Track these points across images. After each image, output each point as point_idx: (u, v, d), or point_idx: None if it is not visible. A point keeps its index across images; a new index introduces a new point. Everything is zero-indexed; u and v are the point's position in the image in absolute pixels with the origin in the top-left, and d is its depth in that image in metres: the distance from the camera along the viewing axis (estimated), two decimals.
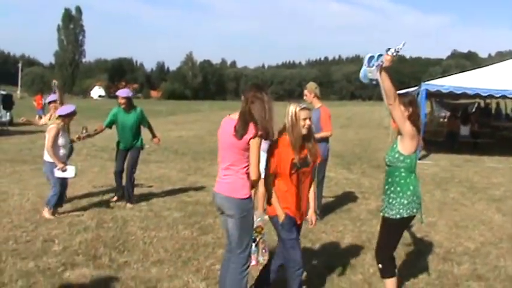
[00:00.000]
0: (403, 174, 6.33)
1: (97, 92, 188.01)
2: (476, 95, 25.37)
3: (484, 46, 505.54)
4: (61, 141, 10.94)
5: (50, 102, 12.89)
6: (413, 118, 6.34)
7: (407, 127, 6.18)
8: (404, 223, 6.49)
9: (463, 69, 30.79)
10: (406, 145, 6.25)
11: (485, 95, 24.09)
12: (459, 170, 19.47)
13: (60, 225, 10.25)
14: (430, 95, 28.45)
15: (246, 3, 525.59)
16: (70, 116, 11.12)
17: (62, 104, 12.34)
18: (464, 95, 26.13)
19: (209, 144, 26.40)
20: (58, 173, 10.87)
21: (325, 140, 11.09)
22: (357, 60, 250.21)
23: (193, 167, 18.52)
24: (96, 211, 11.40)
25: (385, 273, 6.56)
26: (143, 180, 15.09)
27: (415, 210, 6.41)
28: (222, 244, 8.91)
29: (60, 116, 10.93)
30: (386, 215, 6.44)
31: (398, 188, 6.36)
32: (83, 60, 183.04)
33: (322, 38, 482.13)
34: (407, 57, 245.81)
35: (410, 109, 6.37)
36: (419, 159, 21.44)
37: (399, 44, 6.20)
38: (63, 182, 11.19)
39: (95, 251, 8.70)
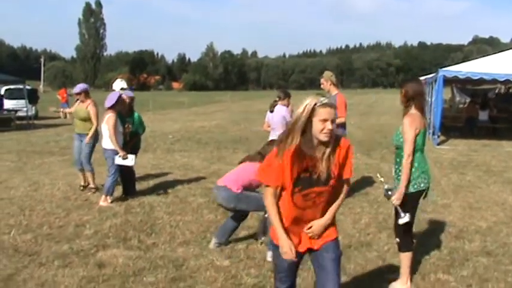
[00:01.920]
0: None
1: (119, 84, 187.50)
2: (494, 80, 25.60)
3: (506, 31, 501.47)
4: (120, 128, 11.51)
5: (77, 94, 13.29)
6: (419, 105, 6.76)
7: (406, 124, 6.64)
8: (414, 198, 6.79)
9: (485, 55, 30.95)
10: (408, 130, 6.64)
11: (503, 80, 24.34)
12: (477, 155, 19.78)
13: (91, 211, 10.78)
14: (451, 81, 28.79)
15: None
16: (117, 104, 11.59)
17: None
18: (482, 81, 26.41)
19: (231, 133, 26.86)
20: (119, 160, 11.43)
21: (343, 125, 11.53)
22: (378, 48, 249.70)
23: (216, 155, 18.97)
24: (124, 198, 11.92)
25: (402, 248, 6.96)
26: (168, 169, 15.56)
27: (422, 185, 6.73)
28: (245, 226, 9.45)
29: (109, 108, 11.40)
30: (386, 194, 6.90)
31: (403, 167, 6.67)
32: (104, 53, 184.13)
33: (342, 26, 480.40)
34: (429, 43, 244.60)
35: (412, 103, 6.76)
36: (438, 145, 21.86)
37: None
38: (121, 169, 11.76)
39: (124, 234, 9.20)
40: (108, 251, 8.30)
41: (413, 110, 6.75)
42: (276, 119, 11.92)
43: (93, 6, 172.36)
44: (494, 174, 15.55)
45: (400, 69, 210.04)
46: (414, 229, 7.91)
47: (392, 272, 7.34)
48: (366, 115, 42.02)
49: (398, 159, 6.82)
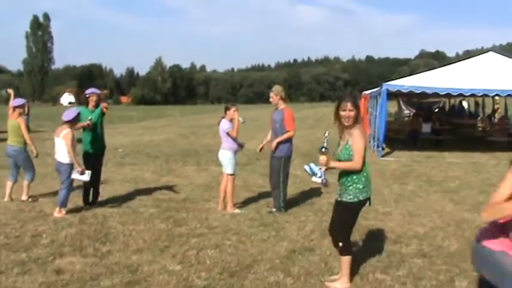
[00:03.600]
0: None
1: (67, 98, 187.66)
2: (436, 94, 26.45)
3: (451, 45, 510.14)
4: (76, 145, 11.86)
5: (16, 107, 13.56)
6: (360, 119, 7.43)
7: (356, 137, 7.20)
8: (361, 205, 7.43)
9: (431, 69, 31.87)
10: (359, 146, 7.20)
11: (444, 93, 25.20)
12: (419, 165, 20.46)
13: (46, 222, 11.11)
14: (396, 94, 29.70)
15: (214, 8, 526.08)
16: (76, 120, 11.93)
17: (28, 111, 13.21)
18: (427, 94, 27.27)
19: (180, 147, 27.28)
20: (75, 175, 11.76)
21: (289, 139, 12.13)
22: (326, 62, 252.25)
23: (165, 168, 19.36)
24: (77, 209, 12.24)
25: (345, 251, 7.46)
26: (119, 181, 15.93)
27: (369, 193, 7.41)
28: (195, 234, 10.05)
29: (66, 122, 11.74)
30: (344, 199, 7.37)
31: (354, 176, 7.25)
32: (52, 67, 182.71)
33: (290, 40, 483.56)
34: (376, 57, 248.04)
35: (355, 110, 7.30)
36: (382, 156, 22.57)
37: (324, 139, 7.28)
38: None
39: (80, 242, 9.58)
40: (65, 259, 8.68)
41: (359, 123, 7.36)
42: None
43: (41, 19, 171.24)
44: (434, 184, 16.21)
45: (348, 83, 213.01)
46: (356, 234, 8.51)
47: (334, 273, 7.91)
48: (313, 128, 42.68)
49: (348, 174, 7.31)
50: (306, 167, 7.73)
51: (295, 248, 9.32)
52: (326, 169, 7.24)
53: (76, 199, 12.84)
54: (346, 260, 7.50)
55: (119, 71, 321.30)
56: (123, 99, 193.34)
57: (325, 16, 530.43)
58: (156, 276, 7.86)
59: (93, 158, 12.78)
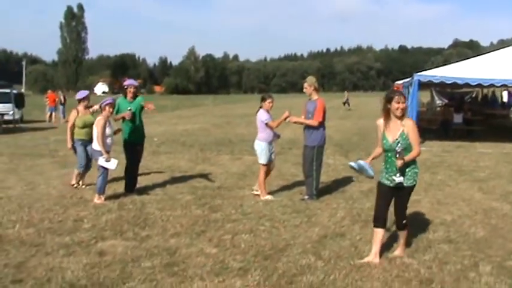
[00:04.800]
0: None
1: (100, 88, 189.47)
2: (466, 84, 26.57)
3: (486, 35, 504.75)
4: (108, 131, 12.28)
5: (80, 100, 14.19)
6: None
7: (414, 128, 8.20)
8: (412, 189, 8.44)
9: (463, 59, 31.96)
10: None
11: (475, 84, 25.35)
12: (450, 155, 20.68)
13: (86, 208, 11.61)
14: (429, 85, 29.88)
15: None
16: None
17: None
18: (460, 85, 27.41)
19: (214, 136, 27.73)
20: (101, 162, 12.15)
21: (321, 127, 12.56)
22: (359, 51, 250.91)
23: (200, 157, 19.79)
24: (116, 196, 12.74)
25: (407, 227, 8.55)
26: (155, 169, 16.38)
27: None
28: (230, 220, 10.52)
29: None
30: (407, 184, 8.21)
31: (412, 163, 8.18)
32: (86, 57, 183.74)
33: (323, 29, 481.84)
34: (409, 47, 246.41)
35: (388, 105, 8.16)
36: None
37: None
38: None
39: (120, 227, 10.05)
40: (107, 242, 9.16)
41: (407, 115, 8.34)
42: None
43: (75, 9, 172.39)
44: (464, 174, 16.45)
45: (381, 72, 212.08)
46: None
47: (363, 257, 8.31)
48: (345, 118, 42.96)
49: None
50: (353, 164, 8.78)
51: (327, 233, 9.70)
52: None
53: (115, 186, 13.32)
54: (405, 233, 8.59)
55: (152, 60, 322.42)
56: (157, 88, 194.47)
57: (358, 5, 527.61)
58: (193, 258, 8.30)
59: (133, 147, 13.27)
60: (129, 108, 12.91)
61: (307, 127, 12.60)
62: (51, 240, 9.20)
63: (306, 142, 12.72)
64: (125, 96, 13.24)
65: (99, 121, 12.05)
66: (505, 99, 40.95)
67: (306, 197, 12.55)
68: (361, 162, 8.69)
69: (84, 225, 10.21)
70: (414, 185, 8.32)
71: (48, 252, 8.56)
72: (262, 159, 12.67)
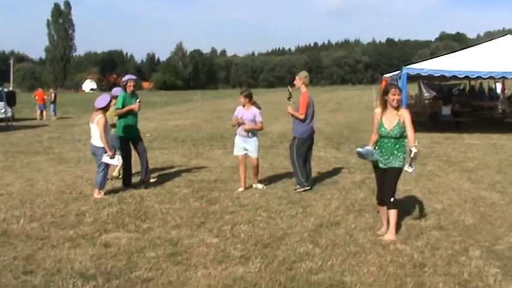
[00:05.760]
0: (404, 137, 9.15)
1: (89, 85, 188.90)
2: (454, 77, 26.98)
3: (472, 27, 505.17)
4: (108, 129, 12.61)
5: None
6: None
7: (407, 117, 9.11)
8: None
9: (452, 51, 32.33)
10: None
11: (462, 76, 25.78)
12: (439, 147, 21.06)
13: (87, 202, 11.90)
14: (418, 77, 30.30)
15: None
16: (108, 107, 12.65)
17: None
18: (444, 78, 27.85)
19: (206, 131, 28.03)
20: (106, 159, 12.41)
21: (306, 120, 13.15)
22: (346, 45, 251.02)
23: (193, 152, 20.10)
24: (115, 190, 13.04)
25: (394, 206, 9.17)
26: (151, 165, 16.55)
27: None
28: (228, 211, 10.92)
29: (100, 109, 12.45)
30: (396, 165, 9.13)
31: (403, 147, 9.16)
32: (74, 54, 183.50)
33: (310, 23, 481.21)
34: (396, 40, 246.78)
35: (386, 97, 9.12)
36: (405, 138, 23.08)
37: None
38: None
39: (121, 220, 10.37)
40: (110, 234, 9.47)
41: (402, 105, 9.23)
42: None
43: (62, 7, 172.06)
44: (453, 164, 16.83)
45: (369, 65, 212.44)
46: (375, 210, 9.35)
47: (358, 244, 8.70)
48: (335, 112, 43.36)
49: (397, 144, 9.17)
50: (361, 150, 9.46)
51: (322, 222, 10.07)
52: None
53: (114, 181, 13.58)
54: (395, 212, 9.18)
55: (140, 57, 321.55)
56: (145, 84, 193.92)
57: None
58: (196, 248, 8.64)
59: (128, 142, 13.70)
60: (138, 100, 13.50)
61: (294, 118, 13.18)
62: (55, 234, 9.50)
63: (292, 133, 13.40)
64: (125, 90, 13.63)
65: (100, 119, 12.30)
66: (499, 91, 41.35)
67: (297, 186, 13.00)
68: (369, 147, 9.34)
69: (86, 219, 10.50)
70: (403, 167, 9.12)
71: (54, 245, 8.86)
72: (257, 153, 13.22)
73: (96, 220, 10.43)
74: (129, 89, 13.61)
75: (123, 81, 13.88)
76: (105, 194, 12.56)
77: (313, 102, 13.34)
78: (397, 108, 9.05)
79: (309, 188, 12.97)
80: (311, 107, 13.18)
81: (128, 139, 13.67)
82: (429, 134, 24.76)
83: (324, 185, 13.49)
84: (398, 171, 9.18)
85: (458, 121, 28.81)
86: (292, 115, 13.19)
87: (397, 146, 9.11)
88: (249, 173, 13.36)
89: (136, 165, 14.02)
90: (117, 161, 12.68)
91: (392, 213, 9.16)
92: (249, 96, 13.14)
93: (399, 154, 9.12)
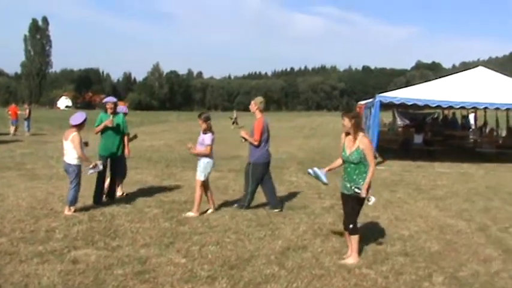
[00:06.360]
0: (363, 163, 9.25)
1: (64, 102, 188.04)
2: (426, 106, 27.36)
3: (448, 57, 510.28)
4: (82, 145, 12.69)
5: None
6: (360, 126, 9.48)
7: (366, 144, 9.29)
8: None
9: (426, 80, 32.73)
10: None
11: (434, 105, 26.15)
12: (409, 174, 21.27)
13: (57, 219, 11.94)
14: (392, 105, 30.65)
15: (211, 15, 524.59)
16: (83, 124, 12.77)
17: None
18: (417, 106, 28.23)
19: (179, 152, 28.02)
20: (90, 171, 12.70)
21: (261, 146, 13.48)
22: (322, 71, 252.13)
23: (166, 173, 20.17)
24: (86, 208, 13.07)
25: (355, 231, 9.39)
26: (124, 184, 16.68)
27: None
28: (197, 232, 10.99)
29: (74, 126, 12.58)
30: (357, 191, 9.19)
31: (364, 174, 9.26)
32: (50, 70, 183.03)
33: (287, 48, 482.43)
34: (373, 67, 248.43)
35: (353, 120, 9.26)
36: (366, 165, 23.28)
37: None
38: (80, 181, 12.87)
39: (91, 237, 10.43)
40: (80, 251, 9.54)
41: (361, 133, 9.31)
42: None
43: (40, 22, 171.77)
44: (422, 192, 17.03)
45: (344, 92, 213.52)
46: (343, 236, 9.51)
47: (324, 267, 8.83)
48: (309, 137, 43.54)
49: (357, 170, 9.33)
50: (310, 171, 10.30)
51: (290, 245, 10.20)
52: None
53: (84, 199, 13.61)
54: (356, 238, 9.38)
55: (116, 75, 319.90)
56: (120, 104, 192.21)
57: (322, 25, 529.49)
58: (163, 267, 8.75)
59: (106, 160, 14.00)
60: (110, 117, 13.92)
61: (249, 144, 13.49)
62: (24, 249, 9.55)
63: (248, 157, 13.66)
64: (105, 111, 14.15)
65: (75, 136, 12.40)
66: (472, 121, 41.85)
67: (236, 205, 13.57)
68: (317, 169, 10.14)
69: (56, 235, 10.55)
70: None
71: (23, 260, 8.92)
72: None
73: (66, 236, 10.49)
74: (109, 110, 14.11)
75: (103, 102, 14.54)
76: (75, 211, 12.59)
77: (268, 128, 13.69)
78: (355, 134, 9.25)
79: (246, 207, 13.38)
80: (266, 132, 13.52)
81: (106, 157, 14.00)
82: (400, 162, 25.01)
83: (293, 209, 13.60)
84: (358, 197, 9.30)
85: (429, 149, 29.06)
86: (246, 140, 13.44)
87: (357, 171, 9.27)
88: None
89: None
90: (101, 166, 12.98)
91: (354, 240, 9.38)
92: (206, 119, 13.15)
93: (360, 181, 9.25)
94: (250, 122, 12.37)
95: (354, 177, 9.28)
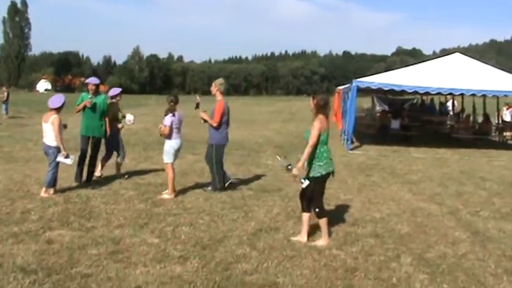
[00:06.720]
0: (318, 146, 9.30)
1: (43, 85, 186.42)
2: (403, 91, 27.56)
3: (429, 43, 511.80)
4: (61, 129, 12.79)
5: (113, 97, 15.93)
6: (325, 112, 9.49)
7: (315, 125, 9.25)
8: (324, 178, 9.52)
9: (402, 66, 32.92)
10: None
11: (411, 91, 26.35)
12: (385, 159, 21.48)
13: (33, 201, 12.04)
14: (371, 91, 30.84)
15: None
16: (62, 107, 12.86)
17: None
18: (394, 92, 28.45)
19: (157, 135, 27.86)
20: (60, 158, 12.65)
21: (221, 128, 13.77)
22: (303, 56, 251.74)
23: (143, 155, 20.30)
24: (62, 190, 13.12)
25: (322, 215, 9.52)
26: (100, 166, 16.81)
27: (330, 168, 9.51)
28: (172, 214, 11.16)
29: (53, 109, 12.67)
30: (311, 175, 9.36)
31: (316, 156, 9.32)
32: (29, 53, 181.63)
33: (268, 33, 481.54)
34: (353, 53, 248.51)
35: (315, 101, 9.48)
36: (351, 150, 23.53)
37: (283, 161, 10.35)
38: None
39: (66, 219, 10.55)
40: (54, 232, 9.66)
41: (320, 116, 9.31)
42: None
43: (19, 5, 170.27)
44: (397, 176, 17.26)
45: (325, 77, 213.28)
46: (317, 218, 9.70)
47: (295, 249, 9.01)
48: (288, 122, 43.67)
49: (313, 154, 9.34)
50: (279, 158, 11.07)
51: (262, 227, 10.37)
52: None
53: (61, 181, 13.65)
54: (324, 221, 9.53)
55: (96, 59, 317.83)
56: (100, 87, 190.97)
57: (303, 10, 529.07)
58: (137, 247, 8.90)
59: (87, 140, 14.41)
60: (90, 97, 14.24)
61: (210, 126, 13.69)
62: None
63: (208, 140, 13.95)
64: (88, 92, 14.58)
65: (55, 119, 12.49)
66: (450, 107, 42.18)
67: (209, 188, 13.68)
68: (279, 158, 11.05)
69: (31, 217, 10.65)
70: (318, 177, 9.40)
71: None
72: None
73: (41, 218, 10.59)
74: (90, 91, 14.54)
75: (86, 83, 15.23)
76: (54, 192, 12.71)
77: (228, 110, 13.95)
78: (314, 115, 9.50)
79: (219, 189, 13.57)
80: (226, 115, 13.76)
81: (87, 137, 14.36)
82: (377, 147, 25.24)
83: (268, 192, 13.77)
84: (315, 180, 9.42)
85: (406, 135, 29.31)
86: (205, 121, 13.65)
87: (313, 154, 9.38)
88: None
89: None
90: (71, 160, 12.87)
91: (321, 222, 9.57)
92: (168, 101, 13.41)
93: (313, 163, 9.40)
94: (232, 106, 12.65)
95: (309, 161, 9.42)
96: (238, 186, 14.21)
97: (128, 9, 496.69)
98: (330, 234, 9.50)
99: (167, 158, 13.12)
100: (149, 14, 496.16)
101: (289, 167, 9.57)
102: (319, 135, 9.27)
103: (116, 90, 16.50)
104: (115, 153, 15.82)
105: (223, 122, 13.64)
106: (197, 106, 13.71)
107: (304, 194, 9.61)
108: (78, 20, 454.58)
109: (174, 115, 13.02)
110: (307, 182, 9.30)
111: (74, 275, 7.51)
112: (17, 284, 7.14)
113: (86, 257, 8.28)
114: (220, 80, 13.98)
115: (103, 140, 14.98)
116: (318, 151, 9.33)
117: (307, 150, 9.21)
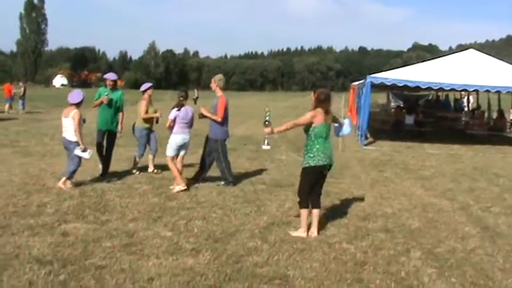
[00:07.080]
0: (312, 138, 9.61)
1: (59, 80, 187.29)
2: (418, 88, 27.57)
3: (445, 39, 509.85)
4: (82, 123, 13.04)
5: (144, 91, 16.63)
6: (321, 103, 9.70)
7: (307, 115, 9.69)
8: (314, 170, 9.68)
9: (416, 62, 32.92)
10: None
11: (425, 87, 26.37)
12: (398, 155, 21.59)
13: (49, 194, 12.22)
14: (387, 87, 30.90)
15: None
16: (81, 103, 13.05)
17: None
18: (409, 88, 28.50)
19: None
20: (78, 152, 12.84)
21: (224, 123, 13.99)
22: (319, 51, 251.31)
23: (158, 150, 20.39)
24: (77, 184, 13.28)
25: (301, 205, 9.76)
26: (115, 161, 16.88)
27: (320, 162, 9.61)
28: (185, 207, 11.29)
29: (73, 104, 12.86)
30: (302, 166, 9.80)
31: (308, 147, 9.67)
32: (46, 48, 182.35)
33: (284, 29, 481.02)
34: (369, 49, 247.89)
35: (315, 95, 9.84)
36: (365, 145, 23.61)
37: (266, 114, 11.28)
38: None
39: (81, 212, 10.73)
40: (70, 225, 9.83)
41: (319, 109, 9.55)
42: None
43: (35, 1, 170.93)
44: (410, 172, 17.35)
45: (340, 73, 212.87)
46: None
47: (305, 242, 9.18)
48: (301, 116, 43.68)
49: (305, 142, 9.70)
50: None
51: (274, 221, 10.52)
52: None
53: (76, 175, 13.84)
54: (302, 212, 9.75)
55: (112, 54, 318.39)
56: (118, 82, 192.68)
57: (319, 5, 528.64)
58: (150, 240, 9.06)
59: (103, 134, 14.81)
60: (106, 93, 14.53)
61: (211, 121, 13.89)
62: (16, 223, 9.82)
63: (210, 135, 14.10)
64: (106, 86, 15.05)
65: (76, 114, 12.70)
66: (465, 103, 42.20)
67: (222, 182, 13.83)
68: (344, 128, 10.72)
69: (47, 210, 10.83)
70: (307, 167, 9.68)
71: (14, 233, 9.20)
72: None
73: (57, 211, 10.77)
74: (109, 86, 14.98)
75: (104, 78, 15.64)
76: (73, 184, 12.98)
77: (227, 106, 14.11)
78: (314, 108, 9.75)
79: (233, 182, 13.86)
80: (227, 110, 13.95)
81: (102, 131, 14.73)
82: (391, 142, 25.32)
83: (281, 187, 13.92)
84: (302, 170, 9.81)
85: (420, 130, 29.35)
86: (208, 117, 13.91)
87: (307, 145, 9.74)
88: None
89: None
90: (88, 154, 13.03)
91: (300, 213, 9.83)
92: (182, 97, 13.95)
93: (305, 154, 9.82)
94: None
95: (303, 151, 9.94)
96: (250, 179, 14.36)
97: (143, 4, 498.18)
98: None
99: (168, 151, 13.58)
100: (165, 9, 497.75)
101: (267, 123, 10.30)
102: (310, 124, 9.61)
103: (145, 86, 17.24)
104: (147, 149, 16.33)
105: (225, 117, 13.89)
106: (195, 101, 13.93)
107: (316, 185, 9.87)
108: (95, 15, 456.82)
109: (179, 109, 13.23)
110: (268, 147, 9.78)
111: (88, 267, 7.67)
112: (33, 275, 7.30)
113: (100, 249, 8.44)
114: (219, 76, 14.24)
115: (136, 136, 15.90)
116: (311, 143, 9.61)
117: (289, 124, 9.91)
